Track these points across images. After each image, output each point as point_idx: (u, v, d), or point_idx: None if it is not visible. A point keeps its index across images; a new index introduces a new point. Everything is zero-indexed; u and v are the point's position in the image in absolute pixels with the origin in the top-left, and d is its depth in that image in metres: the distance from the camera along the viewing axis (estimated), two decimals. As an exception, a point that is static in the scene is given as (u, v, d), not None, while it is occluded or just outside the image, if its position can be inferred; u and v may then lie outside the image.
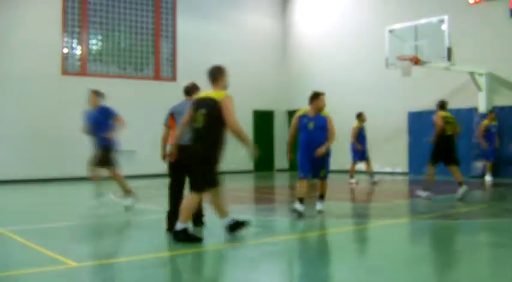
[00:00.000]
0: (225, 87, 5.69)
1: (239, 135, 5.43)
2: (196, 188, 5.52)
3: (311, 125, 7.21)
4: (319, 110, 7.25)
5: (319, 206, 7.53)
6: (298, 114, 7.39)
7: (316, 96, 7.28)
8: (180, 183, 6.23)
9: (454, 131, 9.45)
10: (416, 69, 13.48)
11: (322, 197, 7.56)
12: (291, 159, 7.66)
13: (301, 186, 7.20)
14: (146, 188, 12.78)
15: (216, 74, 5.67)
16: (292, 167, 20.23)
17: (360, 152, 13.04)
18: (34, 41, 15.24)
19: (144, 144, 16.64)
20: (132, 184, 13.95)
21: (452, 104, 15.21)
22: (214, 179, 5.53)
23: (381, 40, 14.42)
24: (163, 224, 6.10)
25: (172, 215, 5.91)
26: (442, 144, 9.35)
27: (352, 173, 13.29)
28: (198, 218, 6.42)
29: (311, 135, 7.21)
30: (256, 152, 5.60)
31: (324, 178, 7.41)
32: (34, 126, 14.98)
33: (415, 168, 16.16)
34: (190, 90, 6.63)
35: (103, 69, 16.58)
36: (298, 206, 7.08)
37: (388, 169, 16.78)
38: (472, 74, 14.17)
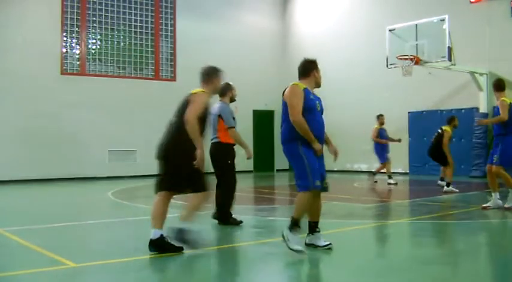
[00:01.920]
0: (214, 91, 5.33)
1: (192, 135, 4.73)
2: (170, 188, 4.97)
3: (318, 106, 5.04)
4: (317, 86, 5.21)
5: (322, 241, 5.01)
6: (299, 86, 4.95)
7: (314, 65, 5.27)
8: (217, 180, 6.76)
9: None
10: (416, 69, 13.47)
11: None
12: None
13: (308, 203, 4.82)
14: (146, 188, 12.75)
15: (208, 75, 5.25)
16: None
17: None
18: (33, 40, 15.21)
19: (144, 144, 16.63)
20: (131, 184, 13.97)
21: (453, 104, 15.26)
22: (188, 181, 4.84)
23: (382, 40, 14.40)
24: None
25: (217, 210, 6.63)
26: None
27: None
28: (225, 215, 6.59)
29: (321, 122, 4.99)
30: (202, 164, 4.72)
31: (326, 190, 5.02)
32: (33, 126, 14.94)
33: (415, 168, 16.14)
34: (225, 90, 6.70)
35: (102, 69, 16.56)
36: (296, 245, 4.70)
37: (388, 169, 16.73)
38: (472, 73, 14.15)
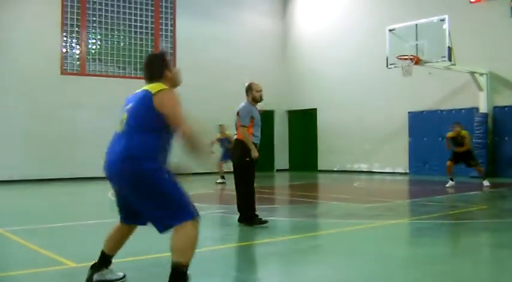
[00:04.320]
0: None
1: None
2: None
3: None
4: (175, 86, 4.03)
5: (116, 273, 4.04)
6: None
7: (165, 62, 4.07)
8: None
9: None
10: (416, 69, 13.47)
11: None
12: None
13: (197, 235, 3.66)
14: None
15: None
16: (293, 167, 20.20)
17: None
18: (33, 40, 15.21)
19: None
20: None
21: (453, 104, 15.26)
22: None
23: (382, 40, 14.41)
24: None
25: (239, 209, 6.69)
26: None
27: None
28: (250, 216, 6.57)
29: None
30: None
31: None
32: (33, 126, 14.94)
33: (415, 168, 16.14)
34: (247, 90, 6.80)
35: (102, 69, 16.56)
36: None
37: (388, 169, 16.76)
38: (472, 73, 14.15)
